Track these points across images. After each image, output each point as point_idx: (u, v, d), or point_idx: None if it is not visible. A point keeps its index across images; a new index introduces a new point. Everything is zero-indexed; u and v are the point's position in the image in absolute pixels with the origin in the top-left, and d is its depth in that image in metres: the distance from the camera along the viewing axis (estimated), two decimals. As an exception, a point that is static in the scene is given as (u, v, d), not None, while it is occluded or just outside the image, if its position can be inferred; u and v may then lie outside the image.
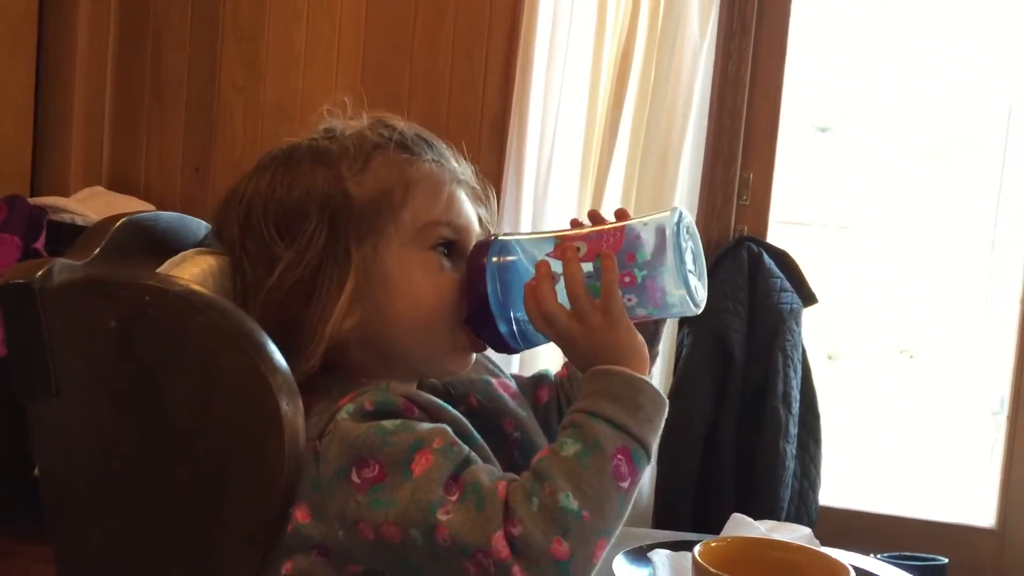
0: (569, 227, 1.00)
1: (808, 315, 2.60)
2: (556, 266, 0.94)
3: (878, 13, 3.81)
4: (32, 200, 2.71)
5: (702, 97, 2.55)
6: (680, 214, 0.94)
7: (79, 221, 2.62)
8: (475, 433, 0.93)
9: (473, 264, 0.97)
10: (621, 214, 1.00)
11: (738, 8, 2.62)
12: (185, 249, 1.04)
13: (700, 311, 0.94)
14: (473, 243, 1.02)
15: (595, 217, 1.02)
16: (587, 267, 0.93)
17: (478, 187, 1.06)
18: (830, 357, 4.22)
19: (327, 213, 0.96)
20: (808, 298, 2.59)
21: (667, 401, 0.93)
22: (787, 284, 2.56)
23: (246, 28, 2.85)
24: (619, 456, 0.87)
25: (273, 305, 0.94)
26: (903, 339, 4.40)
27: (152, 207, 2.77)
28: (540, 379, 1.19)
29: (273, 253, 0.96)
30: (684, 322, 2.59)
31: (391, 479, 0.84)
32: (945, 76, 4.04)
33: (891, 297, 4.23)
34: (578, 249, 0.94)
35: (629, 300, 0.93)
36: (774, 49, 2.67)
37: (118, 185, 2.92)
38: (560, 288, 0.94)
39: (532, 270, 0.95)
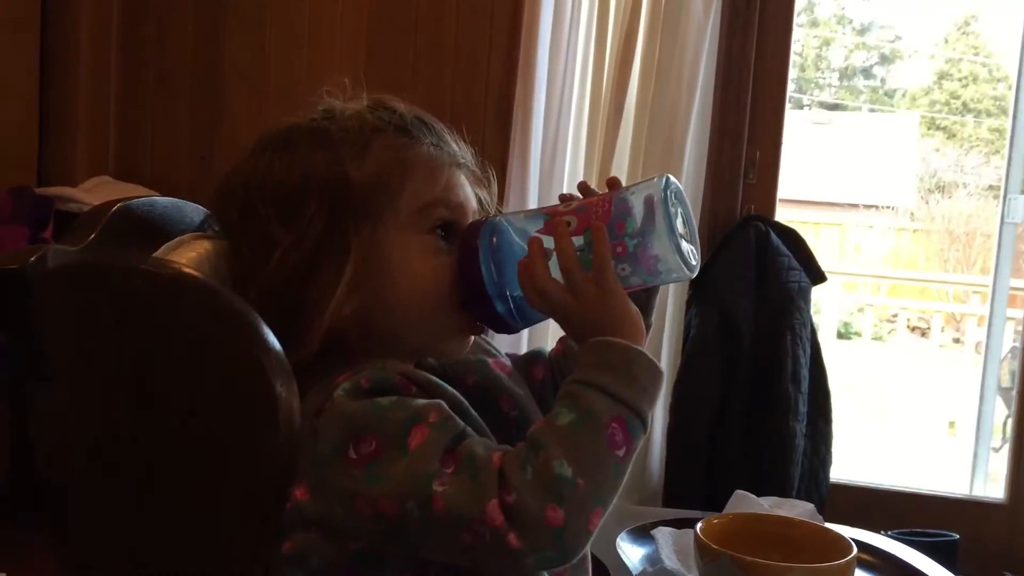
0: (559, 202, 1.00)
1: (819, 293, 2.59)
2: (548, 242, 0.94)
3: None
4: (39, 190, 2.72)
5: (707, 75, 2.54)
6: (667, 180, 0.94)
7: (86, 210, 2.62)
8: (471, 410, 0.93)
9: (466, 245, 0.97)
10: (612, 183, 1.00)
11: (742, -15, 2.61)
12: (181, 234, 1.04)
13: (695, 275, 0.94)
14: None
15: (584, 189, 1.02)
16: (579, 241, 0.93)
17: (478, 170, 1.05)
18: (840, 335, 4.22)
19: (326, 197, 0.96)
20: (816, 276, 2.58)
21: (663, 371, 0.92)
22: (795, 262, 2.55)
23: (249, 13, 2.85)
24: (614, 425, 0.86)
25: (272, 290, 0.94)
26: (914, 316, 4.39)
27: (158, 195, 2.77)
28: (534, 357, 1.18)
29: (272, 236, 0.96)
30: (692, 301, 2.58)
31: (388, 454, 0.85)
32: (950, 48, 4.01)
33: (901, 274, 4.22)
34: (568, 224, 0.94)
35: (623, 270, 0.93)
36: (779, 26, 2.65)
37: (124, 174, 2.93)
38: (553, 264, 0.93)
39: (525, 247, 0.95)
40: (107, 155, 2.95)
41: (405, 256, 0.97)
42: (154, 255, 0.98)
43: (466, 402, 0.94)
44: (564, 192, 1.05)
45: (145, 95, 2.94)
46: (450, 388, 0.94)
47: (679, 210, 0.94)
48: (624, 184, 0.99)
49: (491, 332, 1.12)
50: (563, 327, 0.97)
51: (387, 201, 0.97)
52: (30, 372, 0.81)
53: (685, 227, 0.95)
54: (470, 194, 1.02)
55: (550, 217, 0.96)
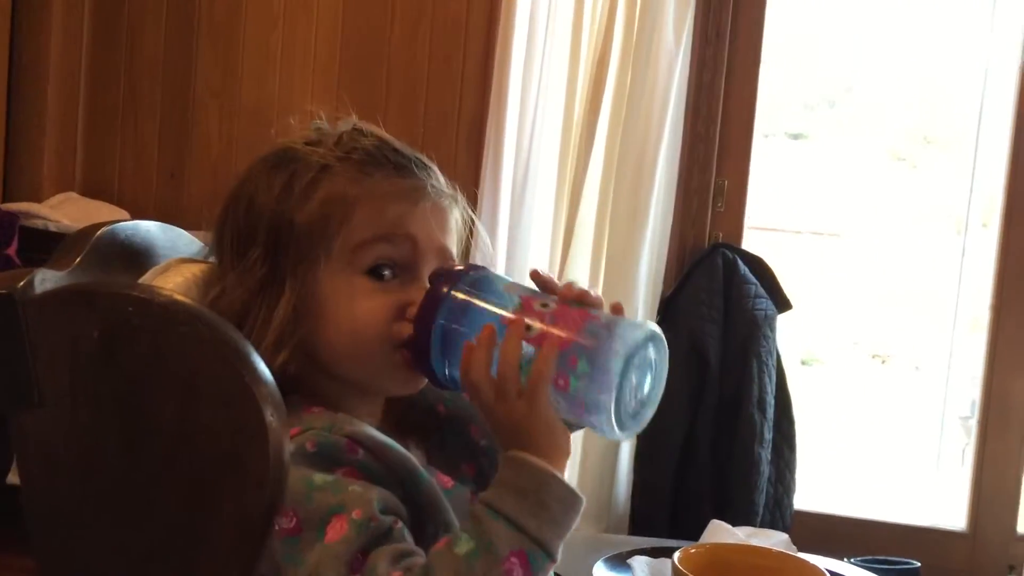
0: (537, 287, 0.95)
1: (782, 321, 2.62)
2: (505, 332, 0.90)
3: (849, 19, 3.84)
4: (3, 206, 2.68)
5: (677, 104, 2.56)
6: (648, 335, 0.89)
7: (52, 227, 2.60)
8: (422, 474, 0.93)
9: (428, 302, 0.93)
10: (616, 308, 0.94)
11: (713, 16, 2.64)
12: (165, 258, 1.04)
13: (625, 438, 0.91)
14: (426, 258, 0.98)
15: (568, 294, 0.93)
16: (530, 350, 0.88)
17: (448, 191, 1.02)
18: (804, 362, 4.25)
19: (270, 241, 0.97)
20: (782, 304, 2.61)
21: (582, 498, 0.89)
22: (762, 290, 2.58)
23: (221, 31, 2.84)
24: (513, 559, 0.84)
25: None
26: (875, 344, 4.44)
27: (126, 213, 2.76)
28: None
29: (225, 270, 0.98)
30: (660, 327, 2.59)
31: (305, 536, 0.85)
32: (914, 81, 4.07)
33: (864, 302, 4.27)
34: (528, 328, 0.89)
35: (555, 403, 0.89)
36: (748, 56, 2.69)
37: (91, 191, 2.90)
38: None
39: (484, 323, 0.90)
40: (74, 171, 2.92)
41: (335, 299, 0.96)
42: (140, 280, 0.98)
43: (418, 466, 0.93)
44: (540, 271, 0.97)
45: (114, 111, 2.91)
46: (401, 451, 0.93)
47: (649, 368, 0.90)
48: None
49: None
50: (486, 423, 0.94)
51: (321, 244, 0.96)
52: (18, 398, 0.80)
53: (650, 385, 0.91)
54: (430, 224, 0.99)
55: (519, 307, 0.91)
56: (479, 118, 2.67)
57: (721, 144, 2.69)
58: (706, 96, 2.66)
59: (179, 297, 0.82)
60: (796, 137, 4.32)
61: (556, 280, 0.96)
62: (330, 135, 1.02)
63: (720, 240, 2.67)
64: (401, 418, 1.05)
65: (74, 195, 2.86)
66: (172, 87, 2.88)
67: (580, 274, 2.56)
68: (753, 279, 2.58)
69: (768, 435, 2.50)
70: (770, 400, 2.53)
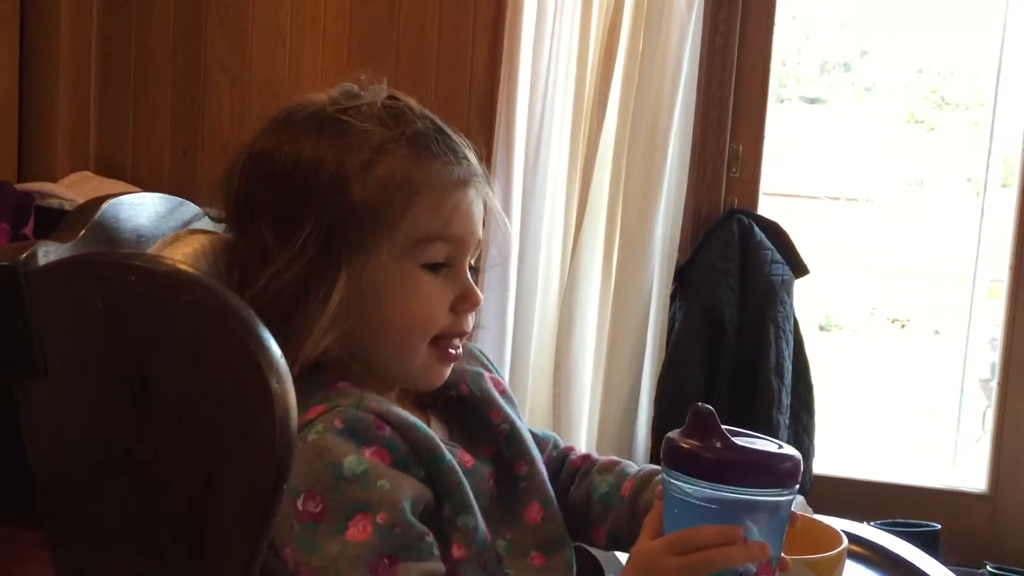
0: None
1: (799, 286, 2.61)
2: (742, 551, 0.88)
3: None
4: (19, 186, 2.70)
5: (690, 69, 2.54)
6: None
7: (67, 206, 2.61)
8: (444, 455, 0.92)
9: (755, 472, 0.90)
10: None
11: (725, -21, 2.62)
12: (172, 230, 1.04)
13: None
14: (468, 252, 0.97)
15: None
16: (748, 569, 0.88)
17: (483, 174, 1.00)
18: (822, 328, 4.24)
19: (324, 219, 0.92)
20: (799, 269, 2.60)
21: None
22: (778, 256, 2.57)
23: (230, 7, 2.83)
24: None
25: (258, 308, 0.92)
26: (894, 309, 4.43)
27: (140, 191, 2.76)
28: (544, 439, 1.15)
29: (267, 247, 0.93)
30: (676, 295, 2.59)
31: (326, 524, 0.86)
32: (930, 42, 4.03)
33: (882, 267, 4.25)
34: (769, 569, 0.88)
35: None
36: (761, 20, 2.66)
37: (105, 169, 2.91)
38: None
39: (732, 522, 0.88)
40: (88, 150, 2.93)
41: (393, 290, 0.94)
42: (150, 251, 0.98)
43: (441, 445, 0.93)
44: None
45: (126, 89, 2.92)
46: (426, 430, 0.93)
47: None
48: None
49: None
50: (634, 557, 0.90)
51: (384, 228, 0.93)
52: (23, 369, 0.80)
53: None
54: (476, 217, 0.98)
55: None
56: (490, 89, 2.66)
57: (735, 109, 2.67)
58: (719, 61, 2.64)
59: (182, 266, 0.82)
60: (812, 101, 4.29)
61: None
62: (364, 102, 0.97)
63: (735, 206, 2.65)
64: (421, 393, 1.05)
65: (88, 174, 2.87)
66: (182, 64, 2.88)
67: (595, 244, 2.55)
68: (769, 244, 2.57)
69: (786, 400, 2.49)
70: (787, 366, 2.52)
